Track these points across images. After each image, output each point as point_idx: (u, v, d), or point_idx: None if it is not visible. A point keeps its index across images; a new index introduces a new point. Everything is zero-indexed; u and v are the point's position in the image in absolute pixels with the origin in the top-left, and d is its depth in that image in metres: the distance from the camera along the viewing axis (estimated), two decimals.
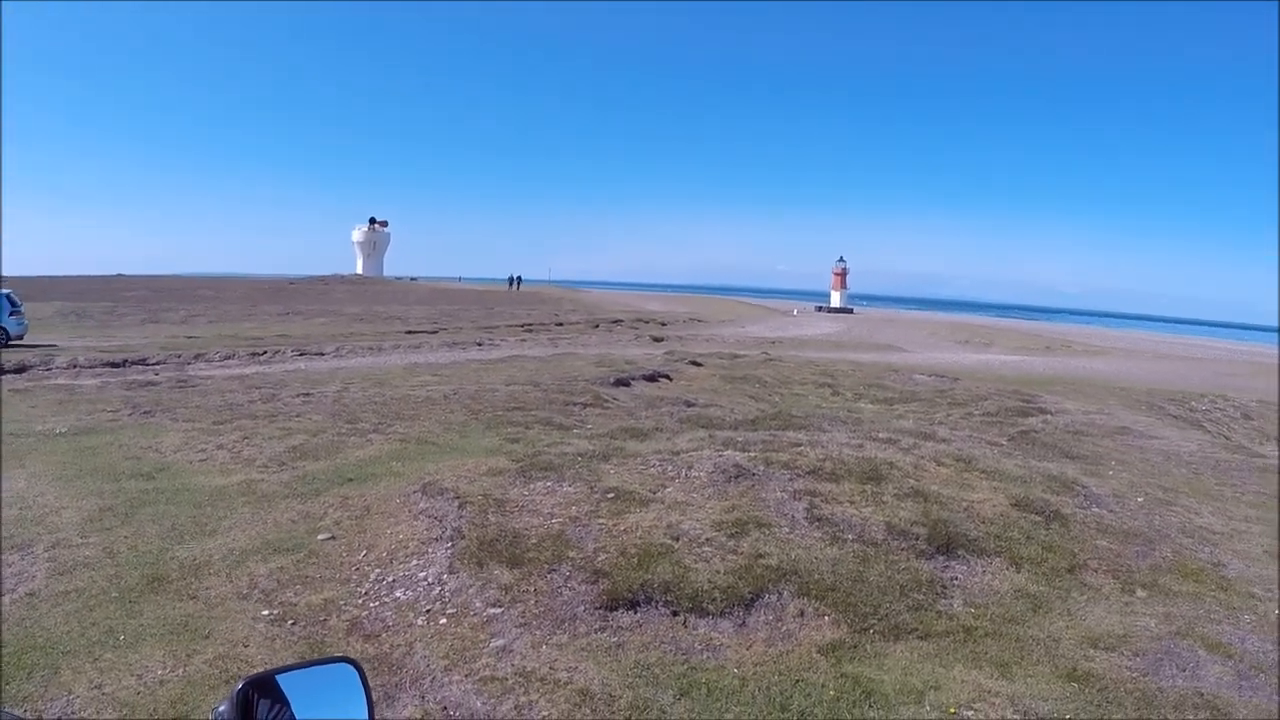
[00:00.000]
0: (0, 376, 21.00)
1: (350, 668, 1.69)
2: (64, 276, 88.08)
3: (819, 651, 6.03)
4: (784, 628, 6.35)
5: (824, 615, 6.48)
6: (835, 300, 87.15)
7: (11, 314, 28.96)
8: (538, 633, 6.31)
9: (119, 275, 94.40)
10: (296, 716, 1.57)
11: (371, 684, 1.74)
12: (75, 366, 23.12)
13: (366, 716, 1.65)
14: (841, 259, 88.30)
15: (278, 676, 1.62)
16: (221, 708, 1.54)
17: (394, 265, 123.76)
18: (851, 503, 8.44)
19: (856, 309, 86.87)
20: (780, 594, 6.69)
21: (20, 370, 22.72)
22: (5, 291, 29.83)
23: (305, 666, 1.73)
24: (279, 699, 1.57)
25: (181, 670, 5.82)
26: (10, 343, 27.75)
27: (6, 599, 6.97)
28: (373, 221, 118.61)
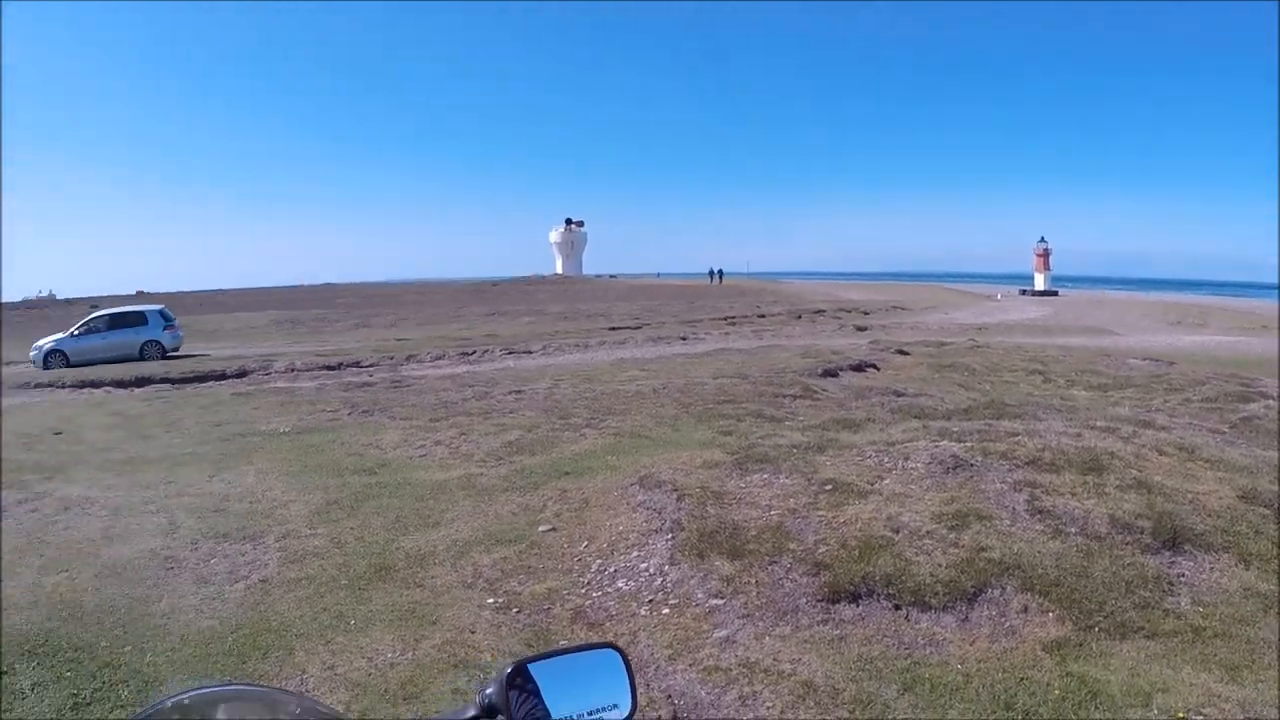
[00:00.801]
0: (223, 380, 22.43)
1: (615, 653, 1.75)
2: (276, 287, 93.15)
3: (1043, 649, 5.85)
4: (1007, 624, 6.19)
5: (1048, 611, 6.28)
6: (1039, 283, 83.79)
7: (166, 328, 32.37)
8: (760, 624, 6.34)
9: (327, 284, 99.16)
10: (561, 699, 1.64)
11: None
12: (293, 370, 24.54)
13: (630, 702, 1.71)
14: (1043, 239, 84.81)
15: (544, 660, 1.68)
16: (489, 689, 1.61)
17: (593, 263, 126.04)
18: (1073, 494, 8.13)
19: (1061, 291, 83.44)
20: (1003, 589, 6.52)
21: (241, 374, 24.28)
22: (159, 308, 33.59)
23: (570, 652, 1.79)
24: (545, 681, 1.64)
25: (411, 654, 6.12)
26: (167, 355, 31.11)
27: (241, 585, 7.46)
28: (569, 222, 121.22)
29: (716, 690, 5.49)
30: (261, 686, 2.13)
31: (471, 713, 1.62)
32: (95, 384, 23.74)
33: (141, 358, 29.63)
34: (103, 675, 5.99)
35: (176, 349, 32.13)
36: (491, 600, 6.96)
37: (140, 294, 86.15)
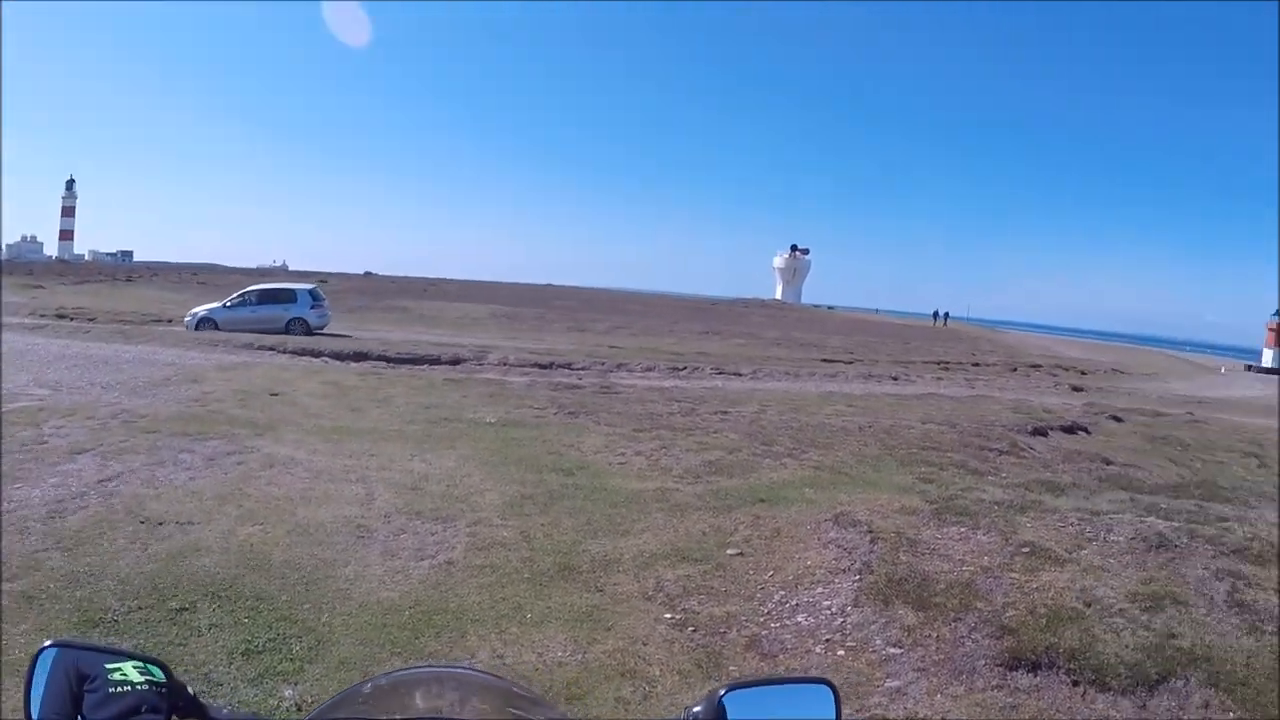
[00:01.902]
0: (437, 365, 23.17)
1: (828, 689, 1.68)
2: (498, 282, 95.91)
3: None
4: (1186, 717, 5.80)
5: (1229, 711, 5.86)
6: (1268, 359, 78.48)
7: (313, 307, 33.90)
8: (934, 680, 6.14)
9: (549, 284, 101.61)
10: None
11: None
12: (506, 364, 25.20)
13: None
14: (1278, 313, 79.63)
15: (754, 687, 1.64)
16: (697, 708, 1.58)
17: (813, 293, 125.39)
18: (1277, 590, 7.61)
19: None
20: (1187, 680, 6.12)
21: (455, 362, 25.01)
22: (310, 287, 35.64)
23: (783, 682, 1.76)
24: (752, 709, 1.59)
25: (581, 656, 6.15)
26: (312, 332, 32.30)
27: (427, 564, 7.63)
28: (794, 249, 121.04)
29: None
30: (463, 668, 2.12)
31: None
32: (315, 353, 24.89)
33: (287, 332, 31.05)
34: (278, 627, 6.23)
35: (322, 327, 33.53)
36: (669, 615, 6.93)
37: (368, 274, 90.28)
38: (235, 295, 34.31)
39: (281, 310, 33.12)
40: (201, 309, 33.32)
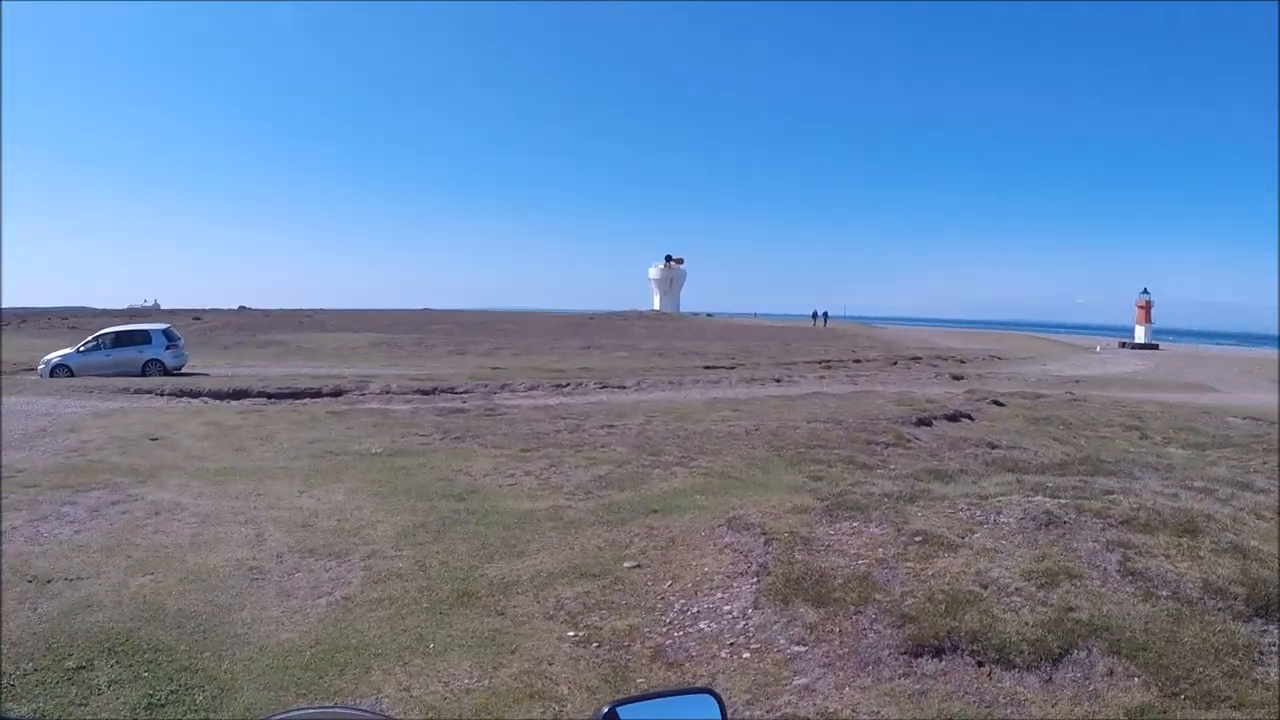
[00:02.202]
0: (319, 398, 22.86)
1: (711, 698, 1.76)
2: (375, 310, 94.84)
3: (1126, 715, 5.70)
4: (1091, 686, 6.04)
5: (1134, 676, 6.12)
6: (1139, 335, 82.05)
7: (168, 348, 33.65)
8: (841, 674, 6.28)
9: (426, 309, 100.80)
10: None
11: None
12: (388, 392, 25.00)
13: None
14: (1145, 291, 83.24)
15: (640, 702, 1.71)
16: None
17: (690, 301, 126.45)
18: (1166, 556, 7.94)
19: (1162, 345, 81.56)
20: (1089, 650, 6.38)
21: (337, 394, 24.74)
22: (164, 327, 35.27)
23: (667, 694, 1.84)
24: None
25: (488, 681, 6.17)
26: (169, 373, 32.03)
27: (324, 601, 7.59)
28: (668, 259, 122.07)
29: None
30: (362, 710, 2.16)
31: None
32: (193, 394, 24.40)
33: (144, 374, 30.89)
34: (180, 678, 6.15)
35: (179, 368, 33.28)
36: (572, 633, 6.98)
37: (242, 309, 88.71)
38: (89, 339, 33.76)
39: (136, 353, 32.74)
40: (54, 355, 32.84)
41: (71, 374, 30.56)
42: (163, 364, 32.40)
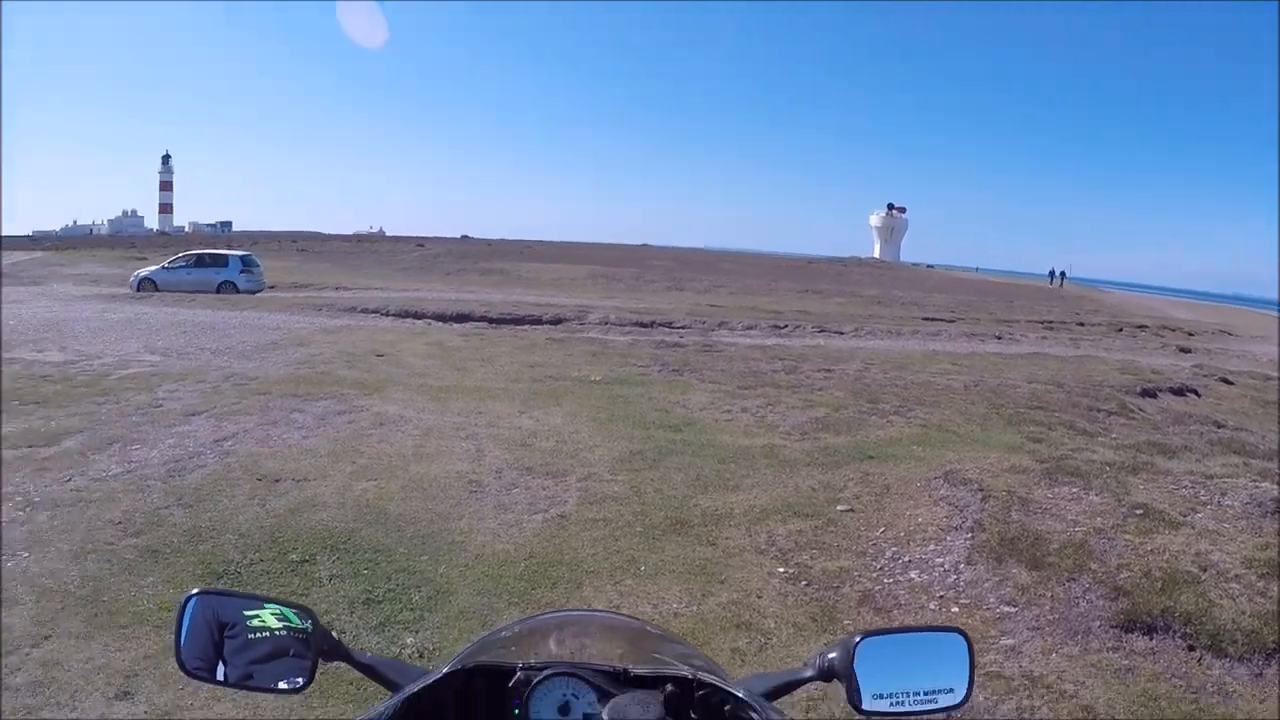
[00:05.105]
0: (539, 325, 23.41)
1: (960, 638, 1.73)
2: (597, 243, 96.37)
3: None
4: None
5: None
6: None
7: (243, 272, 35.19)
8: (1049, 639, 6.11)
9: (644, 244, 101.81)
10: (900, 675, 1.64)
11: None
12: (607, 323, 25.41)
13: (967, 688, 1.69)
14: None
15: (888, 635, 1.70)
16: (832, 654, 1.64)
17: (911, 252, 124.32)
18: None
19: None
20: None
21: (556, 322, 25.26)
22: (243, 253, 37.69)
23: (917, 630, 1.83)
24: (885, 657, 1.64)
25: (696, 607, 6.24)
26: (242, 293, 33.40)
27: (540, 517, 7.78)
28: (891, 207, 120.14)
29: (995, 697, 5.33)
30: (602, 611, 2.19)
31: (809, 674, 1.66)
32: (417, 315, 25.29)
33: (218, 294, 32.54)
34: (398, 578, 6.43)
35: (254, 292, 34.46)
36: (782, 569, 6.98)
37: (465, 238, 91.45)
38: (176, 257, 36.32)
39: (214, 274, 34.59)
40: (144, 270, 35.22)
41: (156, 288, 32.78)
42: (235, 285, 34.19)
